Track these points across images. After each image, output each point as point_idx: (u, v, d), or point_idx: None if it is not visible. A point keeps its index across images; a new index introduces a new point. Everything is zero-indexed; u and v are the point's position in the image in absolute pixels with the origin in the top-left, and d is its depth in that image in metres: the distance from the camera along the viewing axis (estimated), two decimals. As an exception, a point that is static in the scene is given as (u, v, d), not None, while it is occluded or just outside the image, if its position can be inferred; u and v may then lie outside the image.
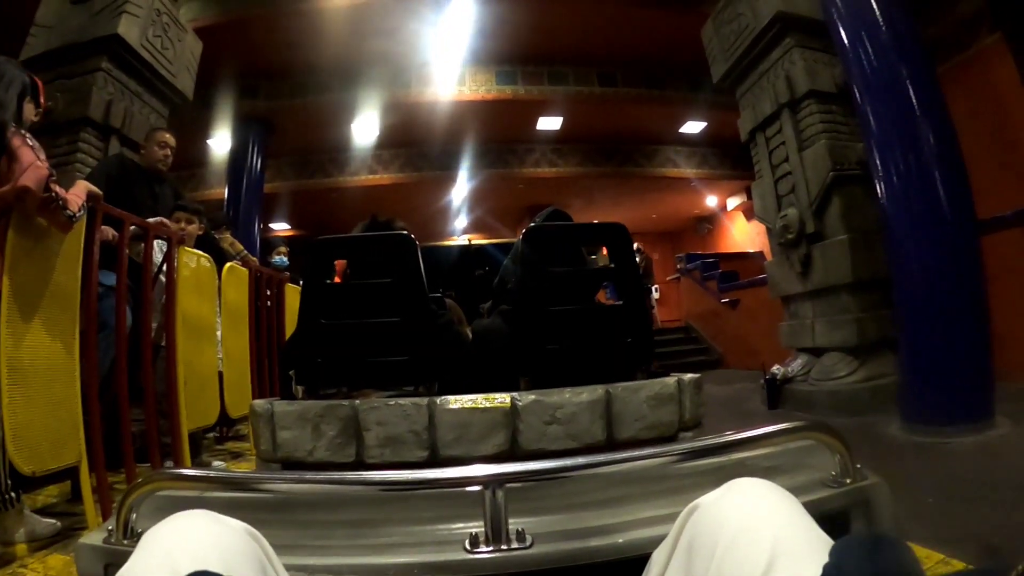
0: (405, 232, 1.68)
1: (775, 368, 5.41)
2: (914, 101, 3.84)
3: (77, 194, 2.32)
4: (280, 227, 13.53)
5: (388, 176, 11.31)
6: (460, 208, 13.48)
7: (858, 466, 0.90)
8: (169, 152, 3.84)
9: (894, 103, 3.92)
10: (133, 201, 3.34)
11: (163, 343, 3.18)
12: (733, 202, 14.55)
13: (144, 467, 2.86)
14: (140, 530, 0.77)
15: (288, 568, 0.67)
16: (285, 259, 5.95)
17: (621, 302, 1.72)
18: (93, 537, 0.83)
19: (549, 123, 10.70)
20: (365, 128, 10.18)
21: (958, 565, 1.79)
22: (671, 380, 1.57)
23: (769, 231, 5.80)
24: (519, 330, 1.67)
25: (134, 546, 0.58)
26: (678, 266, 12.10)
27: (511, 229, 13.92)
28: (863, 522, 0.88)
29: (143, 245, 3.02)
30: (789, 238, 5.27)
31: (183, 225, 3.53)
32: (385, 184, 11.31)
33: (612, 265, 1.75)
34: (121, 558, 0.56)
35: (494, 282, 2.09)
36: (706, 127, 11.14)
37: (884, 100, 3.98)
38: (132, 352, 2.89)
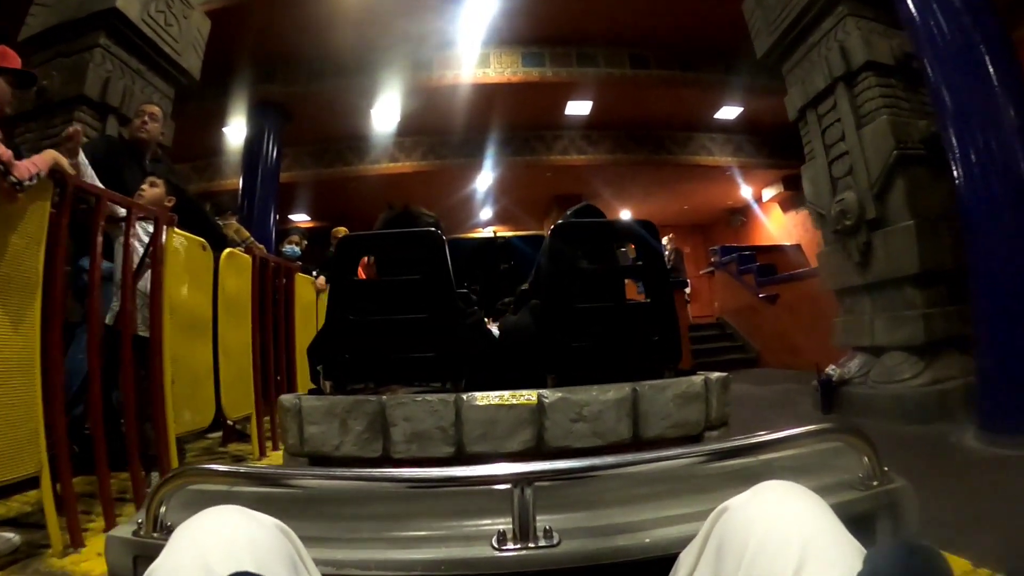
0: (432, 229, 1.71)
1: (830, 368, 4.99)
2: (991, 71, 3.61)
3: (33, 162, 2.12)
4: (299, 218, 13.53)
5: (410, 164, 11.23)
6: (485, 198, 13.31)
7: (885, 469, 0.90)
8: (146, 120, 3.69)
9: (969, 74, 3.70)
10: (122, 182, 3.23)
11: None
12: (769, 193, 14.13)
13: (121, 475, 2.62)
14: (169, 523, 0.80)
15: (316, 562, 0.70)
16: (296, 248, 5.75)
17: (649, 300, 1.76)
18: (123, 530, 0.85)
19: (578, 107, 10.47)
20: (385, 114, 10.03)
21: (983, 574, 1.80)
22: (698, 379, 1.61)
23: (822, 218, 5.39)
24: (546, 327, 1.70)
25: (163, 539, 0.66)
26: (712, 259, 11.94)
27: (538, 220, 13.80)
28: (889, 525, 0.89)
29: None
30: (847, 224, 4.87)
31: (144, 188, 3.23)
32: (407, 172, 11.23)
33: (639, 263, 1.80)
34: (150, 551, 0.65)
35: (529, 280, 2.14)
36: (742, 113, 10.93)
37: (958, 71, 3.76)
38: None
